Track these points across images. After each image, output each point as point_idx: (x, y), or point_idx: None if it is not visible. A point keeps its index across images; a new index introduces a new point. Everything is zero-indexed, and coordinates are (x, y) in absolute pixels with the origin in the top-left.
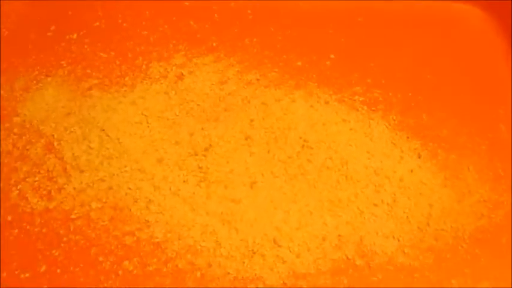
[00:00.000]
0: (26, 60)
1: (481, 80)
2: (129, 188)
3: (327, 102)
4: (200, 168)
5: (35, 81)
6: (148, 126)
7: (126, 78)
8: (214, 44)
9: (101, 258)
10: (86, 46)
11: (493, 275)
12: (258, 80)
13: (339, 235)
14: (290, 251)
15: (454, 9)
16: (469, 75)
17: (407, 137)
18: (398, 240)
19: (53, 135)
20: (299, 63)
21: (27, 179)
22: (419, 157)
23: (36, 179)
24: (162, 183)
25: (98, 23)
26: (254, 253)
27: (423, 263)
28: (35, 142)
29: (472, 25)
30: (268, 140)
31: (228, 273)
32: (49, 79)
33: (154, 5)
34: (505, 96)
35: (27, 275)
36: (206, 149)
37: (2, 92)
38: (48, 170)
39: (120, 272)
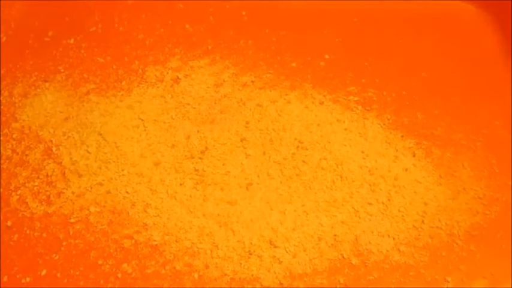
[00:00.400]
0: (24, 66)
1: (475, 77)
2: (127, 192)
3: (321, 103)
4: (196, 171)
5: (33, 87)
6: (145, 130)
7: (123, 83)
8: (209, 47)
9: (100, 262)
10: (82, 51)
11: (488, 271)
12: (253, 81)
13: (335, 235)
14: (286, 252)
15: (448, 7)
16: (463, 73)
17: (402, 136)
18: (394, 239)
19: (51, 141)
20: (294, 64)
21: (26, 184)
22: (414, 156)
23: (36, 183)
24: (159, 187)
25: (94, 28)
26: (251, 254)
27: (418, 261)
28: (34, 147)
29: (465, 23)
30: (264, 142)
31: (225, 274)
32: (47, 84)
33: (150, 8)
34: (499, 92)
35: (28, 279)
36: (202, 152)
37: (1, 98)
38: (47, 175)
39: (119, 275)
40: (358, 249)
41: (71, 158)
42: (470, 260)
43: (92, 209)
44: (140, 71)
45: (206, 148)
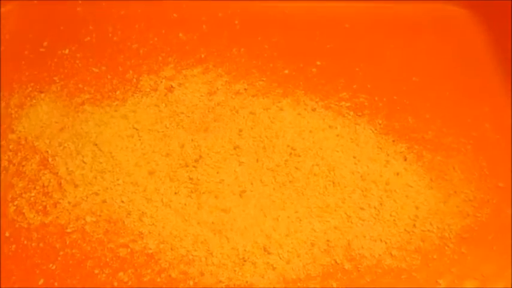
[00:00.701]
0: (20, 77)
1: (465, 80)
2: (122, 201)
3: (314, 109)
4: (191, 179)
5: (29, 98)
6: (139, 139)
7: (117, 92)
8: (202, 56)
9: (96, 271)
10: (77, 61)
11: (479, 273)
12: (246, 89)
13: (328, 240)
14: (280, 258)
15: (438, 11)
16: (453, 77)
17: (393, 141)
18: (386, 243)
19: (47, 151)
20: (286, 71)
21: (23, 195)
22: (405, 160)
23: (32, 194)
24: (154, 195)
25: (88, 38)
26: (245, 261)
27: (410, 265)
28: (30, 158)
29: (455, 27)
30: (257, 149)
31: (220, 281)
32: (42, 95)
33: (143, 18)
34: (489, 95)
35: None
36: (196, 160)
37: None
38: (43, 186)
39: (115, 284)
40: (351, 254)
41: (66, 168)
42: (462, 262)
43: (88, 218)
44: (134, 80)
45: (200, 156)
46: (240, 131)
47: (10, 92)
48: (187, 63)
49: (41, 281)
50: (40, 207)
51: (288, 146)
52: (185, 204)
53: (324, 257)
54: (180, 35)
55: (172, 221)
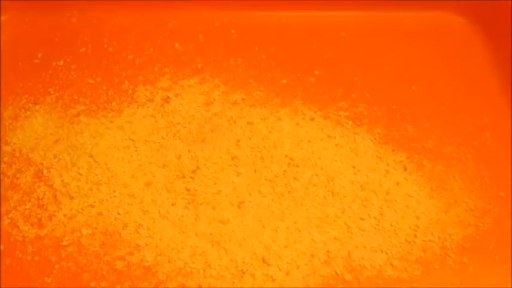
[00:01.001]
0: (14, 88)
1: (465, 89)
2: (119, 213)
3: (312, 119)
4: (188, 190)
5: (23, 110)
6: (135, 151)
7: (113, 103)
8: (199, 66)
9: (93, 284)
10: (72, 72)
11: (481, 283)
12: (243, 99)
13: (328, 251)
14: (279, 269)
15: (436, 20)
16: (452, 85)
17: (393, 150)
18: (386, 254)
19: (42, 163)
20: (284, 81)
21: (18, 208)
22: (405, 169)
23: (27, 207)
24: (151, 207)
25: (84, 49)
26: (244, 273)
27: (411, 275)
28: (25, 170)
29: (454, 35)
30: (255, 160)
31: None
32: (37, 107)
33: (139, 28)
34: (489, 104)
35: None
36: (193, 171)
37: None
38: (38, 198)
39: None
40: (351, 265)
41: (62, 181)
42: (463, 272)
43: (84, 231)
44: (130, 91)
45: (197, 167)
46: (238, 141)
47: (4, 104)
48: (183, 73)
49: None
50: (35, 220)
51: (287, 156)
52: (182, 216)
53: (324, 268)
54: (176, 45)
55: (170, 232)
